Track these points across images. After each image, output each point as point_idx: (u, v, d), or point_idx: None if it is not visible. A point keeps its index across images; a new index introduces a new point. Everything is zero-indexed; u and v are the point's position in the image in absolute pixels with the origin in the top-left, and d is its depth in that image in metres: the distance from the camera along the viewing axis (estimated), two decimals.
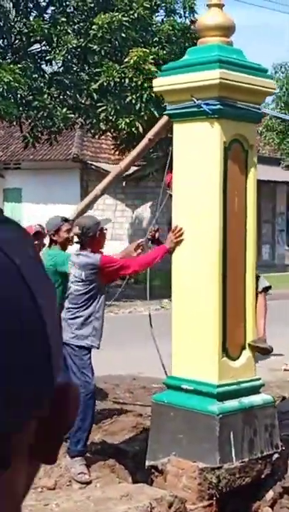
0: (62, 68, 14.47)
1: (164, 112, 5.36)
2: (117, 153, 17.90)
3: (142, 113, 13.46)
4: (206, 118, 4.83)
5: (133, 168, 15.87)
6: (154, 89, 5.26)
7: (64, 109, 14.05)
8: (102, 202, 24.25)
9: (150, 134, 5.51)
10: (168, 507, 4.49)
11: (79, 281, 5.20)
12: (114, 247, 17.14)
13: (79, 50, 14.15)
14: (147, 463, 5.14)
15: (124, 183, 20.98)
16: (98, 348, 5.33)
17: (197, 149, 4.94)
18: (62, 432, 0.57)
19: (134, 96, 13.40)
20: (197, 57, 5.00)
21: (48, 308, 0.55)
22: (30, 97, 13.67)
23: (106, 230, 5.51)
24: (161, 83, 5.15)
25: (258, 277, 5.38)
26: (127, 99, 13.65)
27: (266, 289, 5.43)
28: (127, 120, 13.95)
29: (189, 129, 4.98)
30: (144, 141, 5.60)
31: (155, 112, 12.72)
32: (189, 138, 4.99)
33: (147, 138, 5.51)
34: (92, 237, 5.27)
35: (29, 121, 14.37)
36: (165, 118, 5.41)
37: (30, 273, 0.54)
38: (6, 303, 0.51)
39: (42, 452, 0.56)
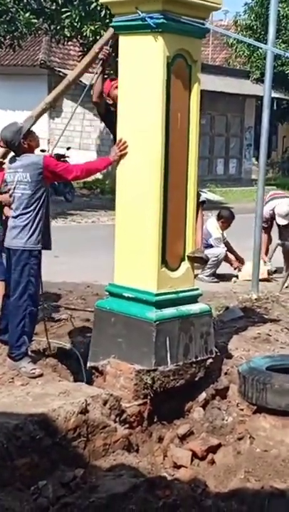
0: None
1: (110, 24, 5.35)
2: None
3: (107, 20, 13.18)
4: (150, 32, 4.85)
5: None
6: (100, 0, 5.22)
7: (27, 14, 13.73)
8: (70, 110, 23.96)
9: (96, 47, 5.52)
10: (103, 404, 4.80)
11: (25, 185, 5.22)
12: (82, 156, 17.16)
13: None
14: (89, 364, 5.45)
15: (92, 92, 20.63)
16: (51, 249, 5.45)
17: (141, 63, 4.99)
18: None
19: (99, 2, 13.06)
20: None
21: None
22: None
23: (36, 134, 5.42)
24: None
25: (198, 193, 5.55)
26: (92, 6, 13.35)
27: (202, 203, 5.62)
28: (92, 27, 13.70)
29: (134, 42, 5.00)
30: (91, 54, 5.62)
31: None
32: (134, 51, 5.02)
33: (94, 50, 5.53)
34: (18, 146, 5.29)
35: None
36: (111, 30, 5.40)
37: None
38: None
39: None
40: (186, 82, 5.15)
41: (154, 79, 4.94)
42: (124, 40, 5.10)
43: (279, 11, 10.39)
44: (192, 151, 5.29)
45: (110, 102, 5.57)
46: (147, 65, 4.96)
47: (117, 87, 5.37)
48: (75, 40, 16.07)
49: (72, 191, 19.08)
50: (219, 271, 9.78)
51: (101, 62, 5.56)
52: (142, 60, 4.98)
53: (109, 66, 5.59)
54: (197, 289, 5.54)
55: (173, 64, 4.99)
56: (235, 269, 9.84)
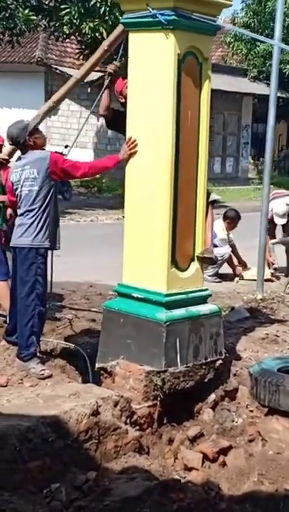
0: None
1: (120, 21, 5.28)
2: (81, 58, 17.48)
3: (107, 17, 13.15)
4: (161, 29, 4.79)
5: (98, 74, 15.55)
6: None
7: (26, 10, 13.65)
8: (67, 108, 23.88)
9: (105, 44, 5.45)
10: (113, 405, 4.74)
11: (32, 181, 5.15)
12: (79, 155, 17.09)
13: None
14: (97, 365, 5.38)
15: (89, 89, 20.58)
16: (59, 249, 5.38)
17: (151, 61, 4.92)
18: None
19: None
20: None
21: None
22: None
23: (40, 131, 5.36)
24: None
25: (208, 193, 5.50)
26: (92, 3, 13.29)
27: (212, 203, 5.56)
28: (91, 24, 13.64)
29: (144, 39, 4.94)
30: (100, 51, 5.56)
31: (120, 17, 12.42)
32: (144, 49, 4.95)
33: (103, 47, 5.46)
34: (24, 143, 5.23)
35: None
36: (121, 27, 5.33)
37: None
38: None
39: None
40: (197, 79, 5.09)
41: (165, 76, 4.88)
42: (134, 37, 5.03)
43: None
44: (202, 149, 5.23)
45: (122, 100, 5.49)
46: (158, 62, 4.90)
47: None
48: (72, 37, 15.99)
49: (70, 190, 18.99)
50: (222, 270, 9.72)
51: (109, 76, 5.51)
52: (153, 58, 4.92)
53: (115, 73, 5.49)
54: (206, 290, 5.49)
55: (184, 61, 4.93)
56: (236, 276, 9.71)
